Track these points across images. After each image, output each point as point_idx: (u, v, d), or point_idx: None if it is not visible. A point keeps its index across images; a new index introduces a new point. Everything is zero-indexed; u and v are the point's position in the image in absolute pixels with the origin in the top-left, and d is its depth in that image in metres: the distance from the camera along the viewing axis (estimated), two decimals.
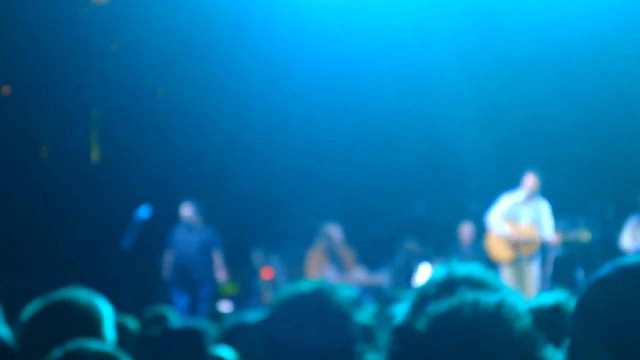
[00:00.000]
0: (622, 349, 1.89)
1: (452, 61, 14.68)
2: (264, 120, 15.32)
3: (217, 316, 11.72)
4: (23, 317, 3.61)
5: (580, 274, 13.64)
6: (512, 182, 12.61)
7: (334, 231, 13.34)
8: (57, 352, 2.95)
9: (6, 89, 14.93)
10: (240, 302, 14.19)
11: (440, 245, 14.12)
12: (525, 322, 2.11)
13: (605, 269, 1.98)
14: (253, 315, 5.05)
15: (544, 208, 12.44)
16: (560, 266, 13.66)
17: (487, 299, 2.13)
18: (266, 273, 14.06)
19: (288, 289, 2.87)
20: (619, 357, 1.89)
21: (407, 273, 13.68)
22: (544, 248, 12.94)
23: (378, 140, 15.13)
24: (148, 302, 11.88)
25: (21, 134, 14.87)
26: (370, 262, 13.84)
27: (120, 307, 4.33)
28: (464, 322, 2.09)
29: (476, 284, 2.47)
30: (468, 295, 2.14)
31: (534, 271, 12.34)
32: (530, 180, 12.31)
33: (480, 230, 13.56)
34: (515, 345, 2.08)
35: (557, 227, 12.69)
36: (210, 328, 5.18)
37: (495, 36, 14.38)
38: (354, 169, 14.68)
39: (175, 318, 6.87)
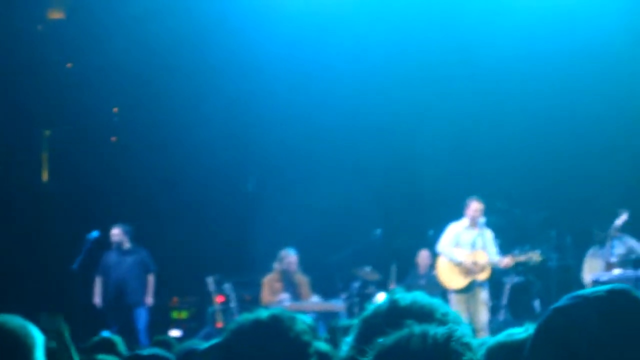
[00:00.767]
0: None
1: (419, 88, 14.70)
2: (221, 141, 15.15)
3: (166, 343, 11.45)
4: None
5: (537, 303, 13.60)
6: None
7: (290, 257, 13.20)
8: None
9: None
10: (191, 328, 13.99)
11: (398, 272, 14.01)
12: (474, 354, 2.03)
13: (564, 299, 1.96)
14: (206, 342, 4.88)
15: (488, 234, 12.44)
16: (517, 294, 13.63)
17: (436, 330, 2.02)
18: (220, 300, 13.88)
19: (245, 316, 2.82)
20: None
21: (363, 300, 13.56)
22: (497, 275, 12.90)
23: (336, 166, 15.02)
24: (99, 325, 11.66)
25: None
26: (326, 288, 13.70)
27: (71, 329, 4.16)
28: (412, 355, 1.99)
29: (422, 313, 2.38)
30: (416, 327, 2.04)
31: (485, 297, 12.29)
32: (473, 207, 12.27)
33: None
34: None
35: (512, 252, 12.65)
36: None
37: (466, 65, 14.42)
38: (310, 195, 14.55)
39: (122, 346, 6.63)
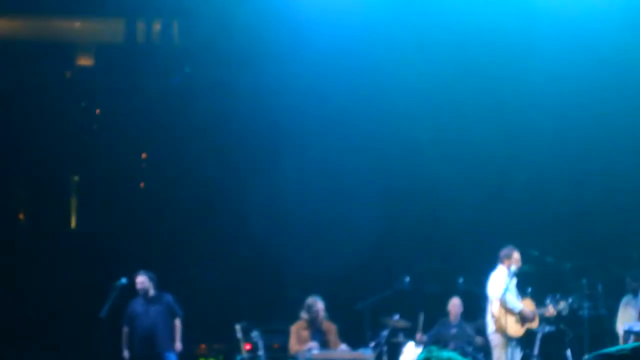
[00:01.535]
0: None
1: (451, 132, 14.70)
2: (248, 187, 15.12)
3: None
4: None
5: (568, 353, 13.41)
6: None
7: (317, 305, 13.08)
8: None
9: None
10: None
11: (426, 319, 13.88)
12: None
13: (589, 357, 2.02)
14: None
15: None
16: (548, 344, 13.46)
17: None
18: (247, 347, 13.77)
19: None
20: None
21: (391, 349, 13.43)
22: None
23: (364, 212, 14.94)
24: None
25: None
26: (354, 337, 13.56)
27: None
28: None
29: None
30: None
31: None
32: (516, 256, 12.27)
33: (468, 306, 13.40)
34: None
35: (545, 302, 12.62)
36: None
37: (495, 105, 14.43)
38: (337, 242, 14.47)
39: None
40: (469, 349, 13.02)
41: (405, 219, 15.17)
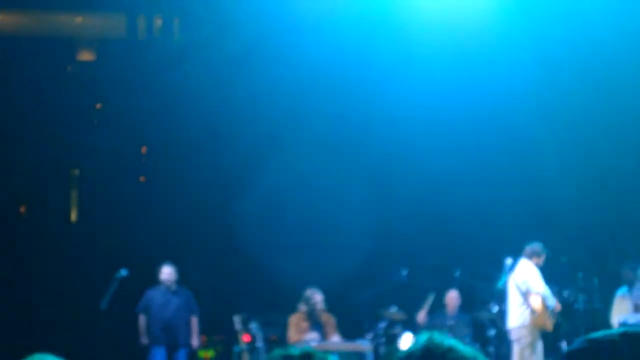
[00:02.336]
0: None
1: (448, 136, 14.77)
2: (248, 181, 15.21)
3: None
4: None
5: (563, 344, 13.48)
6: (497, 251, 12.53)
7: (315, 297, 13.15)
8: None
9: None
10: None
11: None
12: None
13: (577, 343, 1.99)
14: None
15: None
16: (543, 335, 13.52)
17: None
18: (246, 339, 13.84)
19: (277, 351, 2.71)
20: None
21: (388, 340, 13.48)
22: None
23: (362, 206, 15.02)
24: None
25: (0, 192, 14.72)
26: (352, 328, 13.64)
27: None
28: None
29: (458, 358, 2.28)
30: None
31: None
32: (543, 257, 12.31)
33: (465, 298, 13.47)
34: None
35: None
36: None
37: (490, 100, 14.49)
38: (335, 234, 14.55)
39: None
40: (466, 341, 13.10)
41: (402, 213, 15.23)
